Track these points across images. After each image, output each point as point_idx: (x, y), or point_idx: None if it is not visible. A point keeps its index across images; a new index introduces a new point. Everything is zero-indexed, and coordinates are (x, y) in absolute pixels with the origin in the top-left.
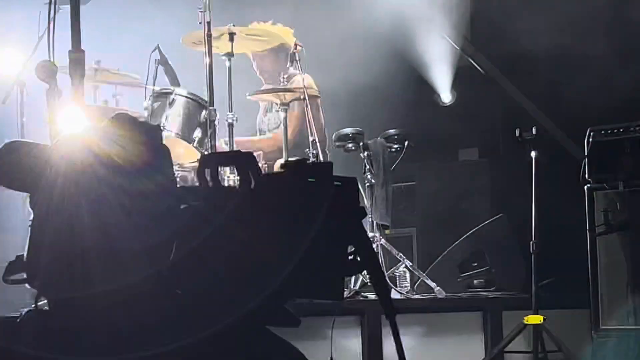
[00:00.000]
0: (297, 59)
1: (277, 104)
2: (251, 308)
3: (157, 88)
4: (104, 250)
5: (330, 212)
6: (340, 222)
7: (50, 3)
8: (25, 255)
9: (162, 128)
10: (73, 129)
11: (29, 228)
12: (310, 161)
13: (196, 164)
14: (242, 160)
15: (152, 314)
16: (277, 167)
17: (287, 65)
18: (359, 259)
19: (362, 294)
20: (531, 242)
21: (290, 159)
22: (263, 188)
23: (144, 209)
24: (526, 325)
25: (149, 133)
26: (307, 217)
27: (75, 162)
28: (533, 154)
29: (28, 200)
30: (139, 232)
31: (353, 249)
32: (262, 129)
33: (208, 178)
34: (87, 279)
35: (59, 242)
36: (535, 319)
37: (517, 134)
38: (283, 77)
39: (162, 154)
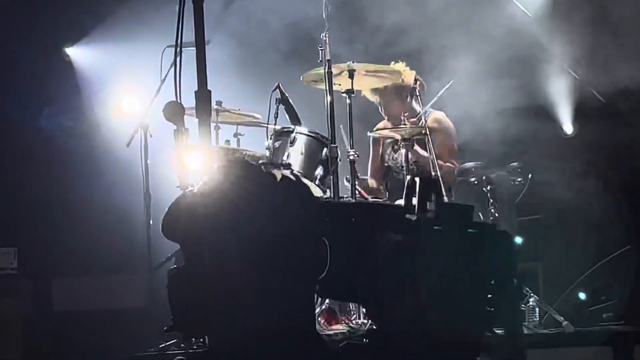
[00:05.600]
0: (417, 94)
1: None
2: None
3: (278, 127)
4: (254, 290)
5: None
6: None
7: (176, 45)
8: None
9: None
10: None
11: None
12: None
13: None
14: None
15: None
16: None
17: (409, 102)
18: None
19: None
20: None
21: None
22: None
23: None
24: None
25: (260, 175)
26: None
27: (219, 208)
28: None
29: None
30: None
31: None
32: (393, 165)
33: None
34: (245, 319)
35: (218, 287)
36: None
37: None
38: (404, 116)
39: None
